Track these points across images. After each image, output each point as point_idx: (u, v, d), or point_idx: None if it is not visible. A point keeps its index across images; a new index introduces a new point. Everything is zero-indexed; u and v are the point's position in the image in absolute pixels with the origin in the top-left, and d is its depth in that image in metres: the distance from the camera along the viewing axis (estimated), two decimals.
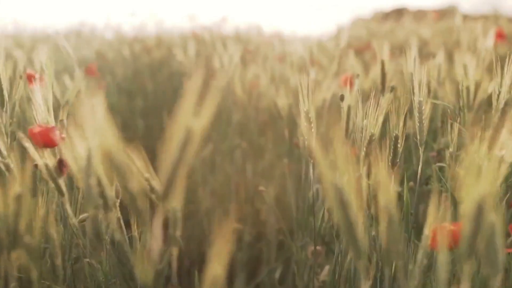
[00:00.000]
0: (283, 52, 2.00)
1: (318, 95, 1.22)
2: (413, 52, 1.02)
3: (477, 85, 1.02)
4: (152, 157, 1.67)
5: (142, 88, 2.30)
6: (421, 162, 0.73)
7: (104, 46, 2.62)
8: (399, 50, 1.78)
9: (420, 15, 4.90)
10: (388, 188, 0.48)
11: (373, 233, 0.68)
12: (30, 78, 1.19)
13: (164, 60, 2.40)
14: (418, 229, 1.01)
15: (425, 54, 1.85)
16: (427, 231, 0.55)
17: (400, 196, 0.75)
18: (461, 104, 0.91)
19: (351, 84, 1.43)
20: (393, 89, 0.84)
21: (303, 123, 0.92)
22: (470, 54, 1.49)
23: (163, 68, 2.36)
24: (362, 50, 2.41)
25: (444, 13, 4.74)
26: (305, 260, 1.02)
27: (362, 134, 0.72)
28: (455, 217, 0.65)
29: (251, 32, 3.20)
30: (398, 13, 5.74)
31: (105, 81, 2.05)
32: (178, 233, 0.50)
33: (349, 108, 0.91)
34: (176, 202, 0.54)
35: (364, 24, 4.51)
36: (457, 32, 2.25)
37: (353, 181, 0.42)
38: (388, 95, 0.84)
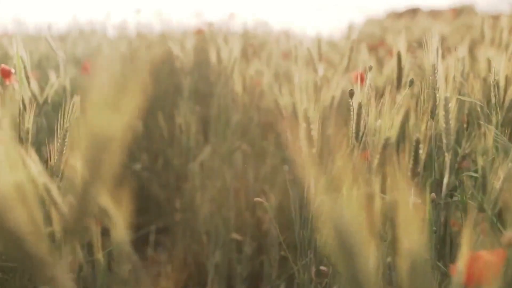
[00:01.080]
0: (290, 48, 1.87)
1: (326, 92, 1.09)
2: (434, 42, 0.89)
3: (508, 81, 0.88)
4: (152, 161, 1.52)
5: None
6: (449, 171, 0.59)
7: (104, 43, 2.50)
8: (415, 46, 1.65)
9: (434, 15, 4.78)
10: (410, 214, 0.35)
11: (389, 259, 0.55)
12: (5, 74, 1.08)
13: (166, 57, 2.27)
14: (442, 245, 0.88)
15: (444, 50, 1.71)
16: (460, 264, 0.42)
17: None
18: (493, 101, 0.77)
19: (363, 81, 1.30)
20: (412, 83, 0.71)
21: (302, 125, 0.80)
22: (495, 49, 1.35)
23: (164, 66, 2.24)
24: (375, 46, 2.27)
25: (460, 12, 4.61)
26: (308, 281, 0.89)
27: (375, 137, 0.58)
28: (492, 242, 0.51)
29: (259, 29, 3.07)
30: (412, 13, 5.63)
31: None
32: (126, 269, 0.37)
33: (360, 106, 0.78)
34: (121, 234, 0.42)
35: (377, 22, 4.39)
36: (478, 28, 2.11)
37: (362, 212, 0.29)
38: (406, 91, 0.70)
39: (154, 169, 1.92)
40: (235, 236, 1.27)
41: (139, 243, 1.83)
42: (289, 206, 1.23)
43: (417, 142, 0.56)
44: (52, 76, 1.25)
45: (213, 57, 1.30)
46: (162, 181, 1.87)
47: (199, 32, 2.49)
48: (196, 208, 1.39)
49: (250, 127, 1.35)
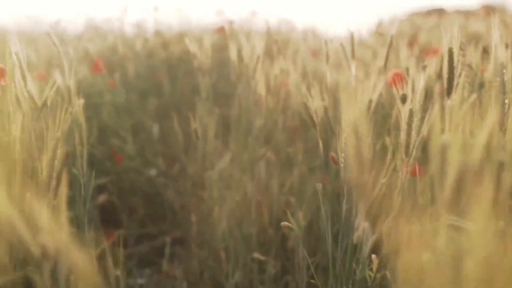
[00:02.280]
0: (317, 45, 1.73)
1: (362, 96, 0.95)
2: (495, 38, 0.75)
3: None
4: (168, 167, 1.38)
5: (157, 86, 2.06)
6: None
7: (118, 40, 2.39)
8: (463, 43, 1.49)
9: (463, 14, 4.62)
10: None
11: None
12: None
13: (184, 55, 2.15)
14: None
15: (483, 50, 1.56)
16: None
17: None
18: None
19: (400, 82, 1.15)
20: (482, 85, 0.57)
21: (345, 136, 0.66)
22: None
23: (182, 64, 2.12)
24: (408, 44, 2.12)
25: (491, 11, 4.45)
26: None
27: (443, 158, 0.44)
28: None
29: (282, 27, 2.94)
30: (437, 13, 5.46)
31: (114, 79, 1.81)
32: None
33: (411, 113, 0.64)
34: None
35: (406, 20, 4.23)
36: None
37: None
38: (472, 96, 0.56)
39: (169, 175, 1.80)
40: (257, 255, 1.14)
41: (154, 254, 1.71)
42: (319, 223, 1.09)
43: (501, 165, 0.42)
44: (57, 75, 1.13)
45: (233, 55, 1.16)
46: (178, 188, 1.74)
47: (219, 30, 2.37)
48: (213, 222, 1.26)
49: (275, 132, 1.21)
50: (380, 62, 1.22)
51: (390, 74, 1.11)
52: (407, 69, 0.99)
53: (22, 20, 3.18)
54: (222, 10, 3.30)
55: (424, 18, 5.18)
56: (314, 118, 0.89)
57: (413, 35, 2.46)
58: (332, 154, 0.94)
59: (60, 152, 0.66)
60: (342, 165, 0.66)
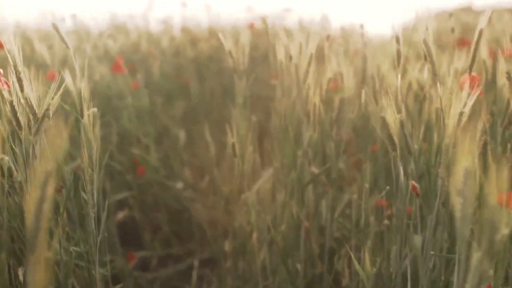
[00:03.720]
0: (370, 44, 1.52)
1: (450, 107, 0.74)
2: None
3: None
4: (196, 179, 1.15)
5: (185, 88, 1.87)
6: None
7: (142, 37, 2.20)
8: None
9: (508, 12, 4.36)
10: None
11: None
12: None
13: (214, 54, 1.96)
14: None
15: None
16: None
17: None
18: None
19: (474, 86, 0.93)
20: None
21: (464, 175, 0.45)
22: None
23: (212, 64, 1.92)
24: (461, 43, 1.90)
25: None
26: None
27: None
28: None
29: (318, 24, 2.73)
30: (462, 12, 5.18)
31: (136, 79, 1.62)
32: None
33: None
34: None
35: (445, 18, 3.99)
36: None
37: None
38: None
39: (198, 188, 1.61)
40: None
41: (179, 278, 1.52)
42: (385, 260, 0.88)
43: None
44: (67, 77, 0.94)
45: (280, 54, 0.96)
46: (207, 203, 1.55)
47: (251, 27, 2.19)
48: (251, 251, 1.06)
49: (328, 148, 1.00)
50: (458, 64, 1.01)
51: (463, 79, 0.90)
52: (509, 74, 0.78)
53: (40, 16, 3.02)
54: (252, 7, 3.15)
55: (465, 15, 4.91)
56: (395, 137, 0.68)
57: (459, 36, 2.23)
58: (414, 183, 0.73)
59: (50, 189, 0.46)
60: (459, 215, 0.45)
